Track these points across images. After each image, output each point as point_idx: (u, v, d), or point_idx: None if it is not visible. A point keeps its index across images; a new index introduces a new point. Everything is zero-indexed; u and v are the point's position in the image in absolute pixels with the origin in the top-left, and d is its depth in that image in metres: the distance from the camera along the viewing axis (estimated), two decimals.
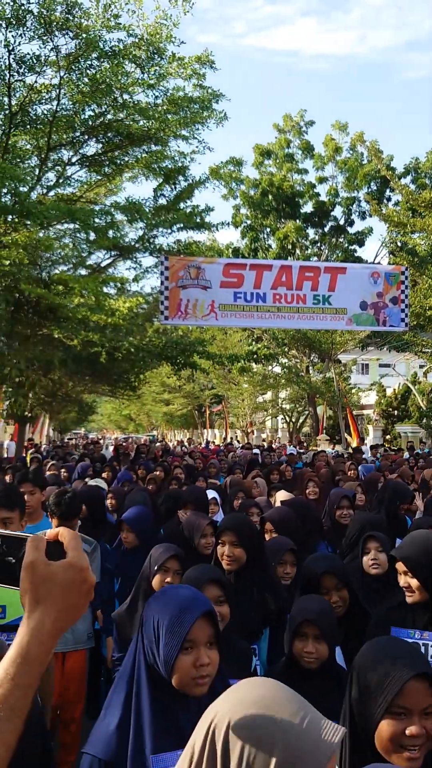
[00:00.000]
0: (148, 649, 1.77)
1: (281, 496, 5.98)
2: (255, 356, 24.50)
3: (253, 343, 30.09)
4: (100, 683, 4.90)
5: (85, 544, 3.55)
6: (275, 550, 3.76)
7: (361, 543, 3.86)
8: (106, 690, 4.24)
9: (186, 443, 31.28)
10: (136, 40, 11.90)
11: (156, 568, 3.29)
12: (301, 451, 20.34)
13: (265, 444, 27.49)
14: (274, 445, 24.73)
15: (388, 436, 30.91)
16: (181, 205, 14.80)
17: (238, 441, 34.89)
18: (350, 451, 18.24)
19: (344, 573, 3.11)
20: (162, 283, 12.32)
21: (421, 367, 31.71)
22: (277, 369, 30.84)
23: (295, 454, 15.61)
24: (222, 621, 2.38)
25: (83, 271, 15.57)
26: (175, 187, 14.73)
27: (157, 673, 1.74)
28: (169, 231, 14.78)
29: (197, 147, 14.28)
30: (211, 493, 6.17)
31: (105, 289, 13.59)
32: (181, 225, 14.53)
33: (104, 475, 8.95)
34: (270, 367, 31.11)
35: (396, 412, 32.50)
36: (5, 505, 3.56)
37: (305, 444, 26.61)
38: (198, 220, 14.38)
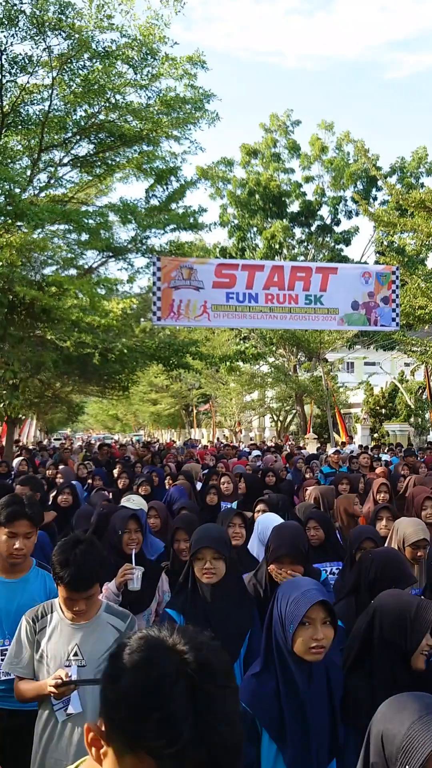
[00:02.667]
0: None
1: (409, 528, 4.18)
2: (243, 355, 24.53)
3: (241, 342, 30.12)
4: None
5: (119, 620, 2.98)
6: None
7: None
8: None
9: (183, 443, 30.69)
10: (129, 41, 11.89)
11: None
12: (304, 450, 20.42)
13: (265, 443, 27.52)
14: (270, 443, 24.76)
15: (375, 435, 31.10)
16: (173, 205, 14.80)
17: (226, 440, 34.92)
18: (338, 448, 18.33)
19: None
20: (154, 283, 12.30)
21: (407, 365, 31.94)
22: (265, 368, 30.89)
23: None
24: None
25: (73, 272, 15.54)
26: (167, 188, 14.72)
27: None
28: (162, 232, 14.77)
29: (189, 147, 14.31)
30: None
31: (97, 290, 13.57)
32: (174, 226, 14.53)
33: (141, 490, 7.58)
34: (257, 367, 31.15)
35: (384, 410, 32.71)
36: (28, 517, 3.50)
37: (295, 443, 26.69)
38: (191, 221, 14.39)
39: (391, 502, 6.25)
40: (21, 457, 13.06)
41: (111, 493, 7.88)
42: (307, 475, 9.98)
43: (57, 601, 2.95)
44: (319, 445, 23.02)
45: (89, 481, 9.60)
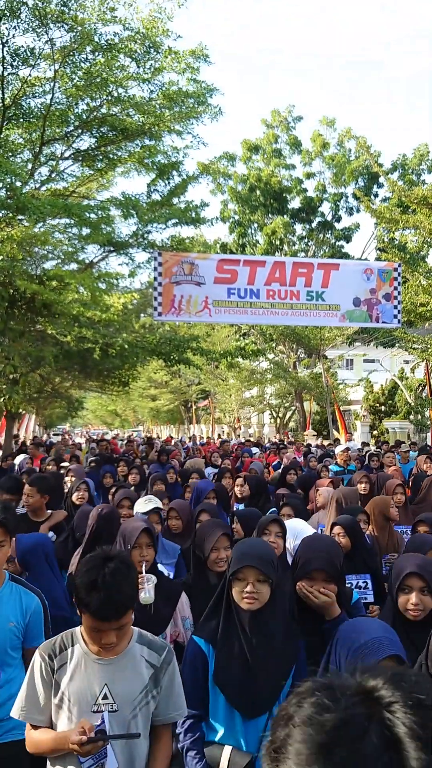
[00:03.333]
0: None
1: None
2: (242, 352, 24.51)
3: (241, 338, 30.08)
4: None
5: (154, 653, 2.51)
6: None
7: None
8: None
9: (188, 440, 30.05)
10: (132, 34, 11.81)
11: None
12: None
13: (271, 440, 27.47)
14: (274, 439, 24.73)
15: (375, 432, 31.08)
16: (175, 200, 14.73)
17: (227, 436, 34.88)
18: (347, 446, 18.31)
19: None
20: (155, 279, 12.23)
21: (406, 362, 31.91)
22: (265, 364, 30.85)
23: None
24: None
25: (74, 267, 15.48)
26: (169, 183, 14.65)
27: None
28: (164, 227, 14.71)
29: (191, 142, 14.25)
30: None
31: (98, 285, 13.52)
32: (176, 221, 14.46)
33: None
34: (257, 363, 31.11)
35: (383, 407, 32.68)
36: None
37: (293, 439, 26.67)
38: (193, 216, 14.32)
39: (407, 503, 5.86)
40: (25, 455, 12.62)
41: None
42: (322, 474, 9.61)
43: (78, 631, 2.44)
44: (325, 441, 22.99)
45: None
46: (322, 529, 5.66)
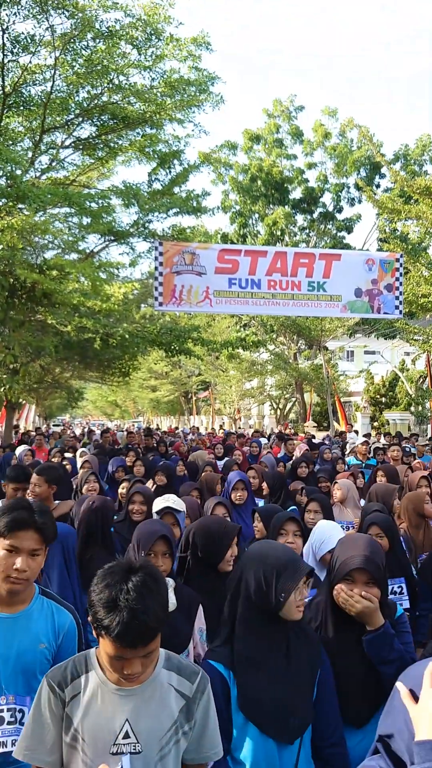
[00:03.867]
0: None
1: None
2: (243, 343, 24.53)
3: (242, 329, 30.01)
4: None
5: (185, 680, 2.08)
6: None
7: None
8: None
9: (190, 431, 29.26)
10: (133, 21, 11.71)
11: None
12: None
13: (274, 430, 27.46)
14: (277, 430, 24.70)
15: (375, 423, 31.07)
16: (176, 189, 14.65)
17: (230, 427, 34.89)
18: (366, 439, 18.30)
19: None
20: (156, 268, 12.16)
21: (407, 354, 31.86)
22: (265, 356, 30.80)
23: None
24: None
25: (74, 256, 15.42)
26: (170, 172, 14.57)
27: None
28: (165, 216, 14.64)
29: (192, 131, 14.15)
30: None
31: (99, 275, 13.46)
32: (177, 210, 14.39)
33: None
34: (257, 354, 31.07)
35: (384, 399, 32.67)
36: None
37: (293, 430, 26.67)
38: (194, 205, 14.25)
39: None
40: (25, 446, 12.02)
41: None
42: (338, 467, 9.16)
43: (93, 654, 2.03)
44: (323, 433, 22.98)
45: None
46: (351, 527, 5.38)
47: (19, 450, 11.04)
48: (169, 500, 4.20)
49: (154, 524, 3.42)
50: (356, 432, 22.46)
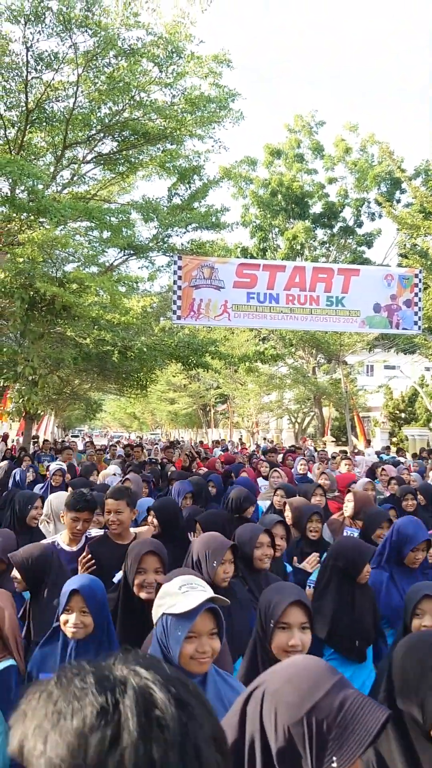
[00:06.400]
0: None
1: None
2: (262, 356, 24.53)
3: (260, 343, 30.01)
4: None
5: None
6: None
7: None
8: None
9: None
10: (155, 39, 11.87)
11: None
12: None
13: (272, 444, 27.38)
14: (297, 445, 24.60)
15: (394, 439, 30.85)
16: (196, 204, 14.77)
17: (242, 441, 34.81)
18: (355, 452, 18.17)
19: None
20: (175, 282, 12.24)
21: (427, 369, 31.65)
22: (284, 369, 30.75)
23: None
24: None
25: (94, 269, 15.57)
26: (190, 187, 14.70)
27: None
28: (184, 231, 14.76)
29: (212, 146, 14.28)
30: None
31: (118, 288, 13.59)
32: (196, 225, 14.50)
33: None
34: (276, 368, 31.03)
35: (403, 414, 32.43)
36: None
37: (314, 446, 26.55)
38: (213, 220, 14.35)
39: None
40: (58, 465, 9.32)
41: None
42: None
43: None
44: (339, 447, 22.85)
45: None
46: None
47: (54, 466, 9.02)
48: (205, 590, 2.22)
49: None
50: (371, 447, 22.30)
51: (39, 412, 17.01)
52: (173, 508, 4.97)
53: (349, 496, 5.93)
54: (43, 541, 4.12)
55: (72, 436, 43.46)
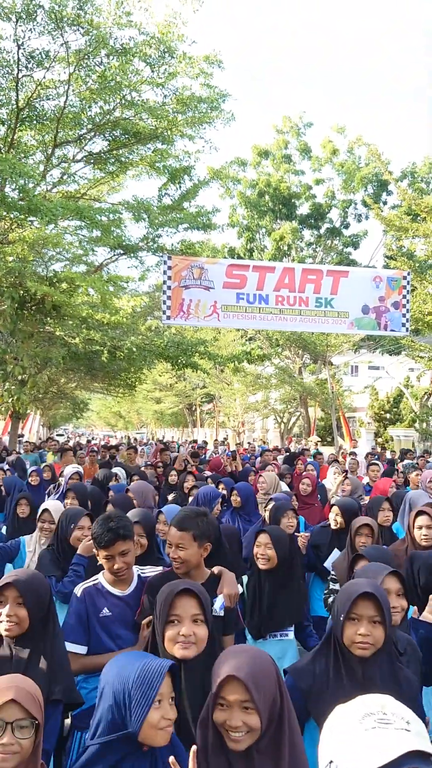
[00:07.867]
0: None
1: None
2: (248, 356, 24.59)
3: (247, 343, 30.06)
4: None
5: None
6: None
7: None
8: None
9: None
10: (147, 38, 11.85)
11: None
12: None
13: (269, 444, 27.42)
14: (295, 446, 24.62)
15: (380, 439, 31.03)
16: (186, 205, 14.76)
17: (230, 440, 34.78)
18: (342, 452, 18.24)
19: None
20: (164, 282, 12.22)
21: (411, 370, 31.86)
22: (270, 369, 30.82)
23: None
24: None
25: (83, 269, 15.51)
26: (180, 187, 14.69)
27: None
28: (174, 231, 14.75)
29: (203, 147, 14.28)
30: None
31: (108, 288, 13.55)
32: (187, 225, 14.49)
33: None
34: (262, 368, 31.09)
35: (388, 415, 32.63)
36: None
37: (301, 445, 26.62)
38: (204, 221, 14.35)
39: None
40: (74, 469, 7.64)
41: None
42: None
43: None
44: (323, 447, 22.92)
45: None
46: None
47: (69, 470, 7.53)
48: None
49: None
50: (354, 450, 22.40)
51: (28, 411, 16.94)
52: (215, 527, 3.58)
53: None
54: (83, 584, 3.27)
55: (57, 435, 43.22)
